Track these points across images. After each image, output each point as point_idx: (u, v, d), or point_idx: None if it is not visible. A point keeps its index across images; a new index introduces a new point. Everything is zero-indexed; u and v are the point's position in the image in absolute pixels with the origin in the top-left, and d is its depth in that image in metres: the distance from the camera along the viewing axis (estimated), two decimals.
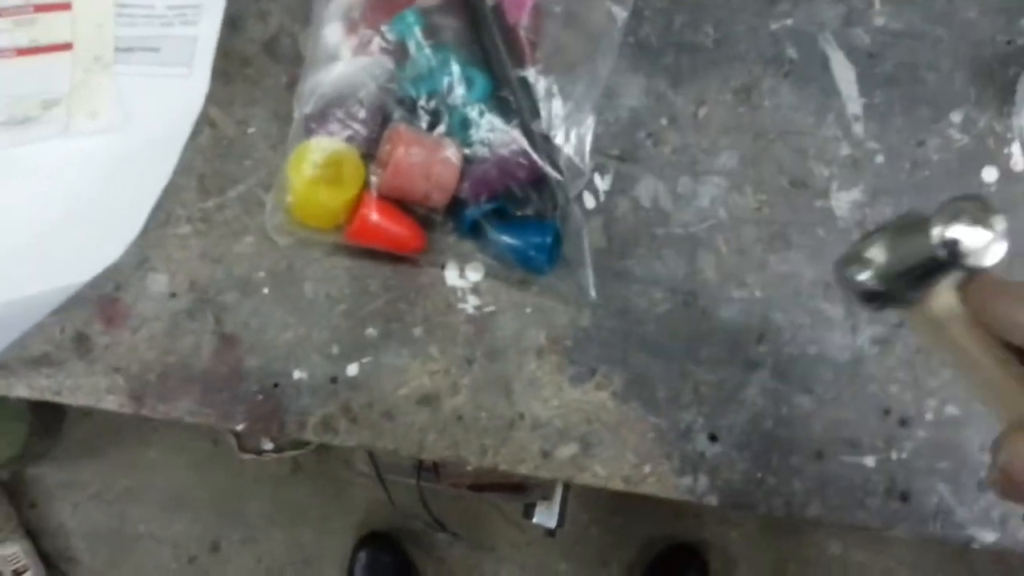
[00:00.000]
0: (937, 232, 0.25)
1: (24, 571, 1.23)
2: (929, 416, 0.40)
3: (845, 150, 0.42)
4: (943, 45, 0.43)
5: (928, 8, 0.43)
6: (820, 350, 0.40)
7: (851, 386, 0.40)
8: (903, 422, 0.40)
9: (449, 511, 1.13)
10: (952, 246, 0.25)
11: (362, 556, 1.28)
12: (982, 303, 0.26)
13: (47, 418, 1.25)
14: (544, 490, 0.96)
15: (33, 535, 1.28)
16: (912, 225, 0.26)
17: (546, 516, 0.97)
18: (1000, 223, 0.25)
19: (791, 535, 1.40)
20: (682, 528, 1.36)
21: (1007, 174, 0.41)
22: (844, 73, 0.43)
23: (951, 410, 0.40)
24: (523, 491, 0.93)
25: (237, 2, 0.43)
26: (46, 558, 1.28)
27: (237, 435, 1.35)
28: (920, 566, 1.42)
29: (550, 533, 1.00)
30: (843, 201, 0.42)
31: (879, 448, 0.39)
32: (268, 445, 1.38)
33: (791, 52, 0.43)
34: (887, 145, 0.42)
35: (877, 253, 0.27)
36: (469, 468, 0.95)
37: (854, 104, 0.42)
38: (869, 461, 0.39)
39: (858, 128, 0.42)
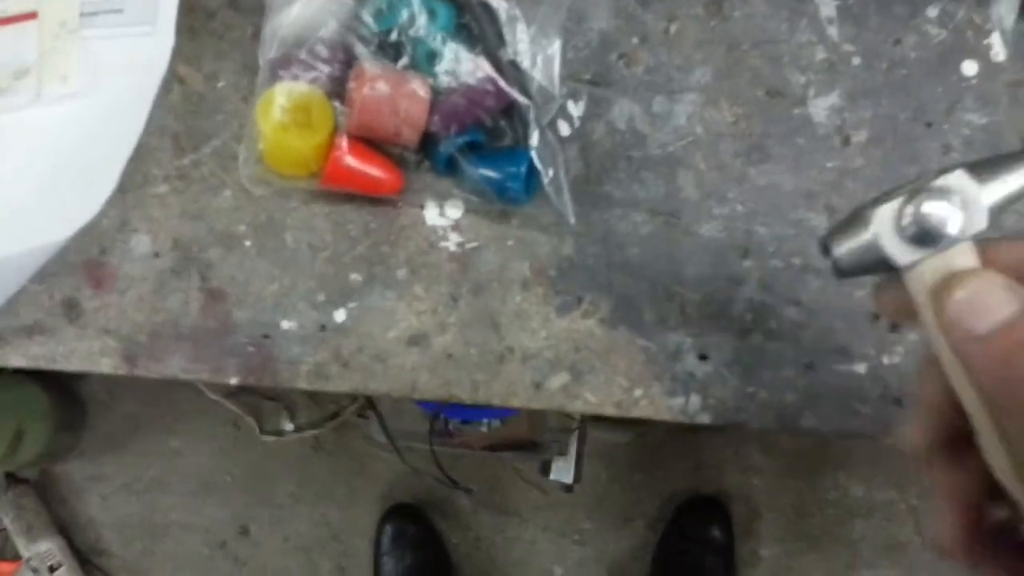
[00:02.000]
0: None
1: (58, 567, 1.25)
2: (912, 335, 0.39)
3: (820, 54, 0.41)
4: None
5: None
6: (805, 260, 0.40)
7: (838, 294, 0.39)
8: (893, 326, 0.39)
9: (468, 476, 1.13)
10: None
11: (388, 528, 1.29)
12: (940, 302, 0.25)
13: (70, 414, 1.27)
14: (560, 446, 0.96)
15: (65, 531, 1.30)
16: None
17: (563, 471, 0.98)
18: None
19: (813, 478, 1.40)
20: (703, 480, 1.36)
21: (988, 66, 0.40)
22: None
23: None
24: (538, 448, 0.93)
25: None
26: (79, 553, 1.30)
27: (258, 418, 1.37)
28: None
29: (568, 489, 1.01)
30: (821, 107, 0.41)
31: (870, 355, 0.39)
32: (288, 426, 1.39)
33: None
34: (863, 46, 0.41)
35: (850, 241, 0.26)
36: (483, 429, 0.95)
37: (827, 7, 0.41)
38: (860, 368, 0.39)
39: (832, 31, 0.41)
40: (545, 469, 0.98)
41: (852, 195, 0.40)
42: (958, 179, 0.25)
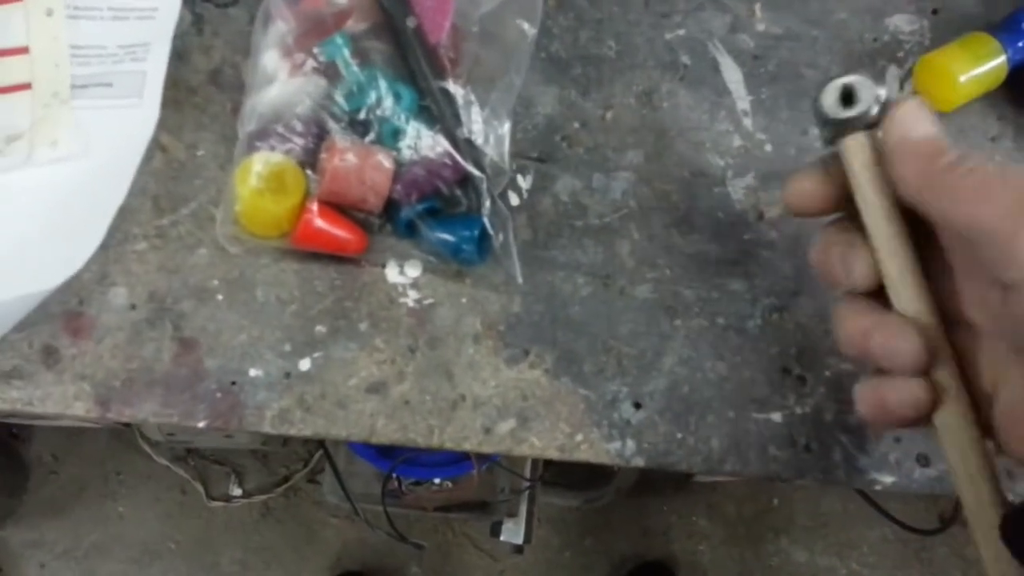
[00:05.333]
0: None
1: None
2: (827, 373, 0.44)
3: (737, 142, 0.47)
4: (819, 44, 0.49)
5: (804, 12, 0.49)
6: (727, 321, 0.45)
7: (755, 351, 0.44)
8: (803, 380, 0.44)
9: (419, 539, 1.14)
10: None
11: None
12: (881, 157, 0.34)
13: (11, 476, 1.25)
14: (510, 506, 0.98)
15: None
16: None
17: (513, 532, 1.00)
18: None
19: (757, 544, 1.43)
20: (651, 546, 1.38)
21: None
22: (732, 74, 0.48)
23: (846, 367, 0.44)
24: (488, 509, 0.95)
25: (183, 37, 0.47)
26: None
27: (205, 482, 1.35)
28: (882, 567, 1.46)
29: (518, 550, 1.02)
30: (738, 187, 0.47)
31: (784, 405, 0.44)
32: (236, 491, 1.38)
33: (685, 58, 0.49)
34: (774, 135, 0.47)
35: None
36: (435, 489, 0.96)
37: (743, 101, 0.48)
38: (776, 417, 0.44)
39: (747, 122, 0.47)
40: (495, 530, 1.00)
41: (767, 263, 0.45)
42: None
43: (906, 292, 0.34)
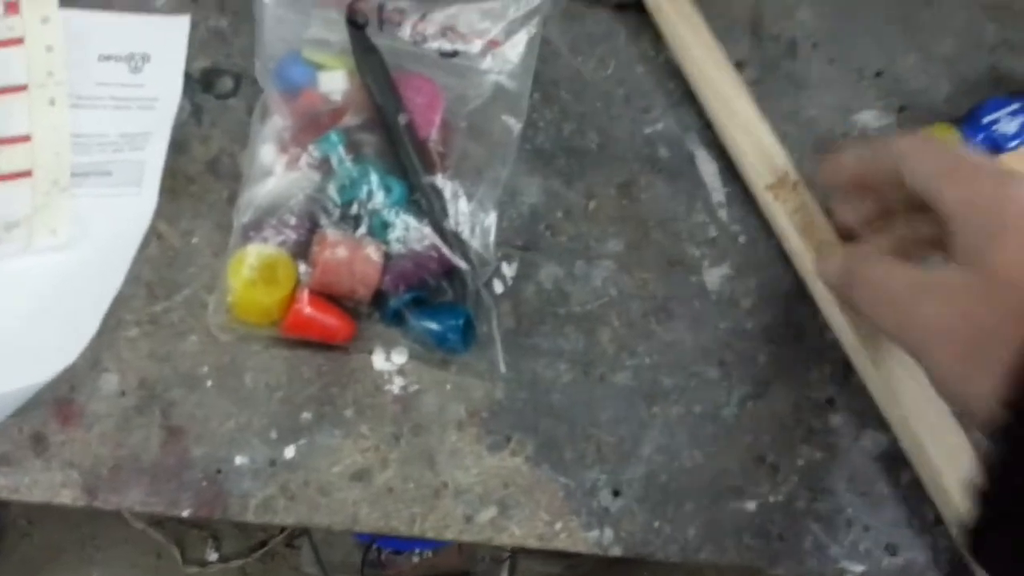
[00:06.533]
0: None
1: None
2: (800, 462, 0.45)
3: (712, 233, 0.49)
4: (792, 139, 0.51)
5: (776, 109, 0.51)
6: (703, 408, 0.46)
7: (730, 439, 0.45)
8: (775, 468, 0.45)
9: None
10: None
11: None
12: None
13: None
14: (491, 575, 0.98)
15: None
16: None
17: None
18: None
19: None
20: None
21: None
22: (708, 167, 0.50)
23: (818, 455, 0.45)
24: None
25: (182, 127, 0.49)
26: None
27: (182, 546, 1.33)
28: None
29: None
30: (714, 276, 0.48)
31: (758, 494, 0.45)
32: (213, 555, 1.36)
33: (663, 152, 0.51)
34: (748, 227, 0.49)
35: None
36: (415, 559, 0.96)
37: (718, 193, 0.50)
38: (750, 506, 0.45)
39: (723, 213, 0.49)
40: None
41: (742, 352, 0.47)
42: None
43: None
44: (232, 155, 0.48)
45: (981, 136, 0.49)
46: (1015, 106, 0.49)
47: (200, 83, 0.50)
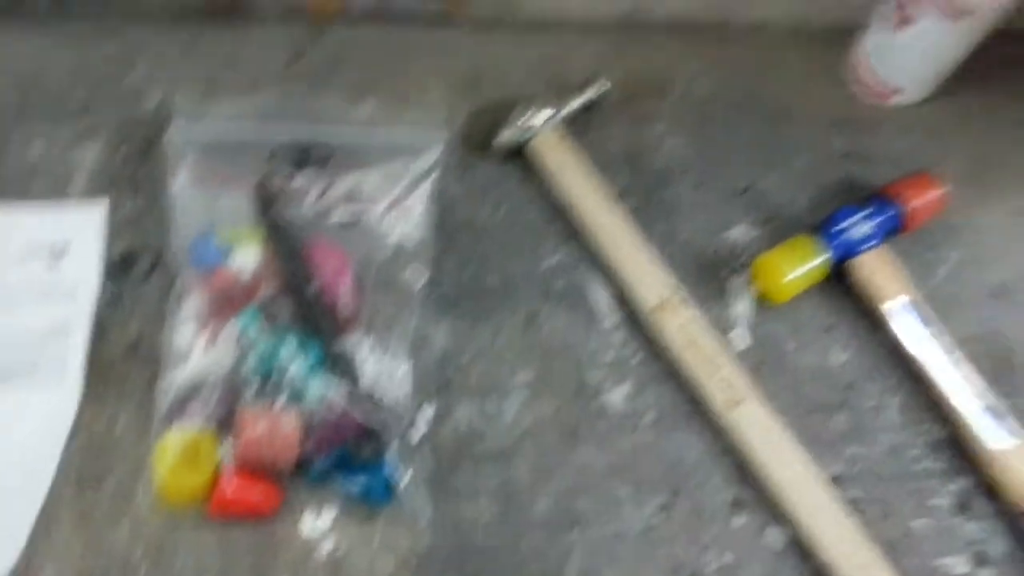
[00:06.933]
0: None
1: None
2: (713, 565, 0.49)
3: (610, 356, 0.53)
4: (672, 260, 0.56)
5: (652, 232, 0.56)
6: (618, 526, 0.49)
7: (647, 551, 0.49)
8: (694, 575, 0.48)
9: None
10: None
11: None
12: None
13: None
14: None
15: None
16: None
17: None
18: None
19: None
20: None
21: (734, 352, 0.53)
22: (600, 295, 0.55)
23: (728, 557, 0.49)
24: None
25: (102, 313, 0.51)
26: None
27: None
28: None
29: None
30: (617, 396, 0.52)
31: None
32: None
33: (559, 284, 0.55)
34: (642, 346, 0.53)
35: None
36: None
37: (612, 318, 0.54)
38: None
39: (617, 337, 0.54)
40: None
41: (648, 465, 0.50)
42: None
43: None
44: (152, 337, 0.51)
45: (836, 241, 0.54)
46: (866, 212, 0.55)
47: (118, 266, 0.53)
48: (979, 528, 0.51)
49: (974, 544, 0.50)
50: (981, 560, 0.50)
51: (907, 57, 0.58)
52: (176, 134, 0.52)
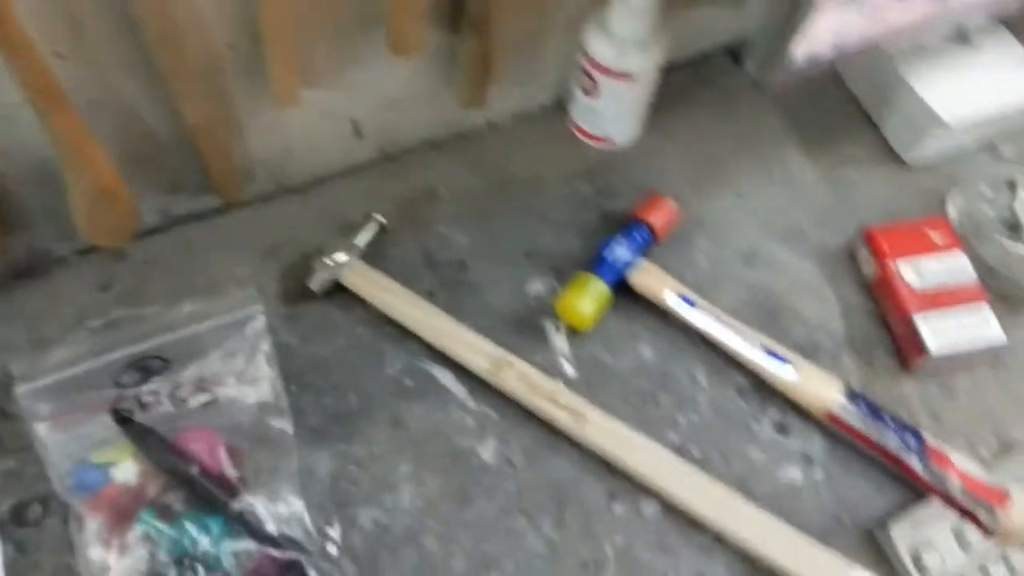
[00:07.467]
0: None
1: None
2: (610, 551, 0.57)
3: (471, 422, 0.62)
4: (489, 329, 0.65)
5: (470, 313, 0.66)
6: (526, 553, 0.57)
7: (555, 562, 0.57)
8: None
9: None
10: None
11: None
12: None
13: None
14: None
15: None
16: None
17: None
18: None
19: None
20: None
21: (566, 381, 0.64)
22: (446, 377, 0.64)
23: (619, 539, 0.58)
24: None
25: (13, 568, 0.54)
26: None
27: None
28: None
29: None
30: (488, 452, 0.61)
31: None
32: None
33: (409, 383, 0.64)
34: (495, 404, 0.63)
35: None
36: None
37: (461, 392, 0.63)
38: None
39: (471, 404, 0.63)
40: None
41: (533, 500, 0.59)
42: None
43: None
44: (68, 567, 0.54)
45: (608, 270, 0.67)
46: (620, 238, 0.68)
47: (12, 520, 0.56)
48: (799, 439, 0.63)
49: (799, 453, 0.62)
50: (808, 462, 0.62)
51: (606, 115, 0.73)
52: (23, 397, 0.56)
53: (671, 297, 0.67)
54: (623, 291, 0.67)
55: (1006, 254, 0.70)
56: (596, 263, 0.67)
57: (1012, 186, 0.75)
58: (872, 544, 0.59)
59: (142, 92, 0.59)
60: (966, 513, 0.59)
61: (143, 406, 0.56)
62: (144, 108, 0.61)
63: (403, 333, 0.66)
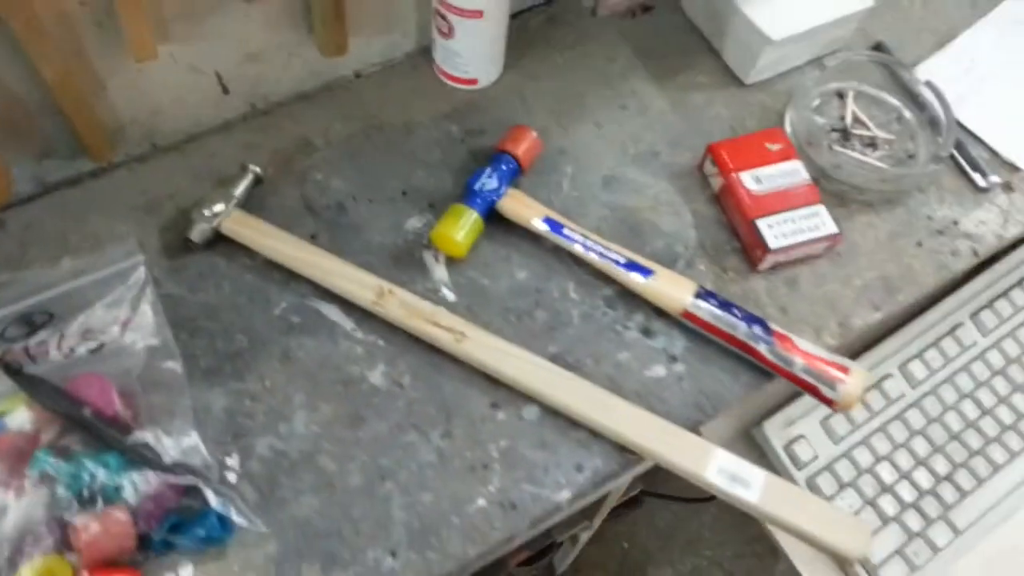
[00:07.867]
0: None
1: None
2: (495, 453, 0.62)
3: (360, 350, 0.66)
4: (372, 263, 0.69)
5: (350, 250, 0.70)
6: (418, 462, 0.62)
7: (446, 467, 0.61)
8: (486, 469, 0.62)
9: None
10: None
11: None
12: None
13: None
14: None
15: None
16: None
17: None
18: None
19: None
20: None
21: (448, 305, 0.68)
22: (332, 311, 0.67)
23: (503, 443, 0.63)
24: None
25: None
26: None
27: None
28: None
29: None
30: (377, 376, 0.65)
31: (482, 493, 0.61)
32: None
33: (296, 319, 0.67)
34: (381, 332, 0.67)
35: None
36: None
37: (349, 324, 0.67)
38: (481, 503, 0.61)
39: (359, 335, 0.66)
40: None
41: (422, 415, 0.64)
42: None
43: None
44: None
45: (478, 200, 0.71)
46: (488, 170, 0.73)
47: None
48: (662, 339, 0.69)
49: (663, 351, 0.69)
50: (671, 359, 0.68)
51: (465, 55, 0.77)
52: None
53: (537, 222, 0.72)
54: (495, 219, 0.72)
55: (836, 157, 0.78)
56: (466, 195, 0.72)
57: (841, 95, 0.83)
58: (743, 433, 0.66)
59: (2, 56, 0.59)
60: (811, 389, 0.66)
61: (32, 358, 0.58)
62: (6, 73, 0.62)
63: (288, 276, 0.68)
